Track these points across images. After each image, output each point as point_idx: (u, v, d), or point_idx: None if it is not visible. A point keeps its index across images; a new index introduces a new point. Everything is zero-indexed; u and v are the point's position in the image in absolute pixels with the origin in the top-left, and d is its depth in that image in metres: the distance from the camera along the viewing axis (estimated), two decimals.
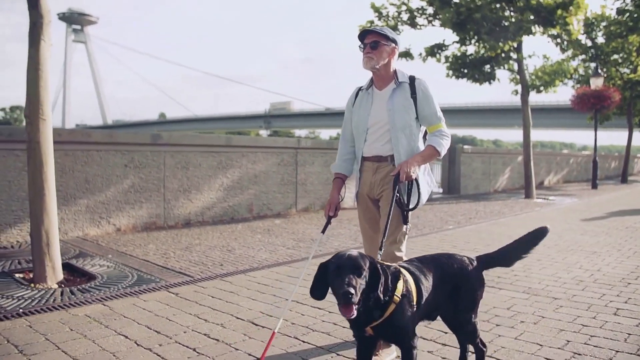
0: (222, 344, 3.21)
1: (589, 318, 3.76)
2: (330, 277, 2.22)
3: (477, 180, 15.86)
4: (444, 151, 3.15)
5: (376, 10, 14.35)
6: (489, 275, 5.06)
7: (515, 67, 14.19)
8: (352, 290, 2.09)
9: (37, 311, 3.81)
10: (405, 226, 3.13)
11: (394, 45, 3.17)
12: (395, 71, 3.21)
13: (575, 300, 4.22)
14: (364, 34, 3.17)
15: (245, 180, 8.87)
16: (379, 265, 2.27)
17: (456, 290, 2.61)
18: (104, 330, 3.44)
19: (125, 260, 5.50)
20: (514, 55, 13.86)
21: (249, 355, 3.05)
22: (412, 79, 3.18)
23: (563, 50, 15.76)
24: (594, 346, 3.21)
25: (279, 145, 9.62)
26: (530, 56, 14.09)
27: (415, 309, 2.39)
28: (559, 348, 3.18)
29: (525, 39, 13.25)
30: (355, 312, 2.12)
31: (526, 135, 14.45)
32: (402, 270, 2.44)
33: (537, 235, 2.91)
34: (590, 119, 20.54)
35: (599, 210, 11.34)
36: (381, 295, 2.21)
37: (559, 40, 14.11)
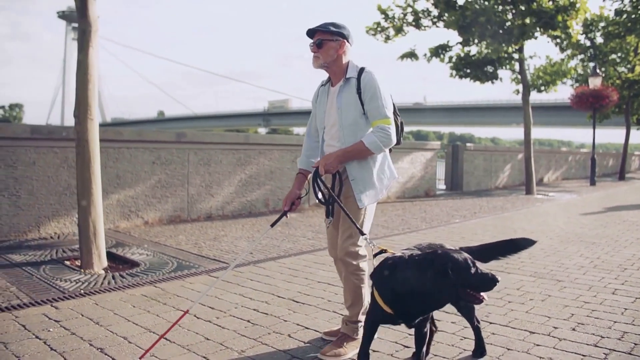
0: (272, 317, 3.68)
1: (590, 296, 4.23)
2: (464, 275, 2.33)
3: (479, 177, 16.33)
4: (376, 148, 2.99)
5: (382, 12, 14.78)
6: (499, 261, 5.52)
7: (517, 67, 14.66)
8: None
9: (97, 292, 4.26)
10: (362, 219, 3.08)
11: (341, 39, 3.08)
12: (347, 65, 3.13)
13: (577, 282, 4.68)
14: (310, 34, 3.13)
15: (262, 176, 9.33)
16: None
17: None
18: (163, 306, 3.90)
19: (161, 249, 5.96)
20: (516, 56, 14.33)
21: (297, 324, 3.52)
22: (360, 73, 3.09)
23: (562, 50, 16.22)
24: (595, 318, 3.68)
25: (293, 143, 10.07)
26: (531, 57, 14.58)
27: None
28: (564, 319, 3.65)
29: (527, 40, 13.72)
30: None
31: (527, 133, 14.92)
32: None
33: (521, 245, 3.03)
34: (590, 117, 20.99)
35: (597, 205, 11.82)
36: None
37: (558, 40, 14.57)
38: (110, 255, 5.64)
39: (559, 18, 12.82)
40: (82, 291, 4.26)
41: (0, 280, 4.50)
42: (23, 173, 6.47)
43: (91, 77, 5.25)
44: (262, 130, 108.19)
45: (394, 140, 3.05)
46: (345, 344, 3.04)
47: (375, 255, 2.68)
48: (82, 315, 3.66)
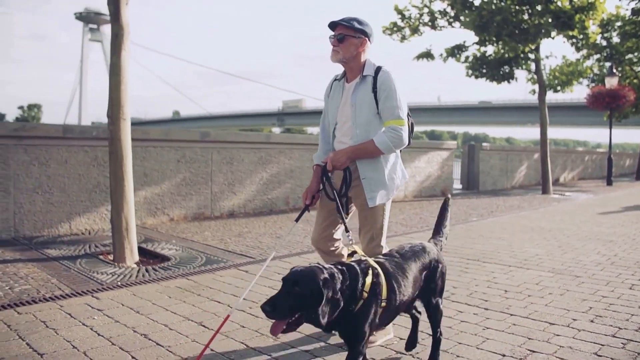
0: None
1: (608, 291, 4.37)
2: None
3: (495, 177, 16.41)
4: (387, 148, 3.02)
5: (399, 12, 14.93)
6: (518, 257, 5.69)
7: (533, 67, 14.73)
8: (268, 307, 2.15)
9: (133, 284, 4.47)
10: (382, 220, 3.15)
11: (363, 37, 3.08)
12: (364, 63, 3.13)
13: (595, 278, 4.82)
14: (332, 26, 3.11)
15: (282, 175, 9.53)
16: (327, 278, 2.23)
17: (430, 278, 2.72)
18: (198, 297, 4.10)
19: (189, 245, 6.17)
20: (532, 56, 14.40)
21: None
22: (377, 71, 3.09)
23: (578, 50, 16.24)
24: (613, 311, 3.82)
25: (312, 143, 10.25)
26: (547, 57, 14.66)
27: (383, 305, 2.41)
28: (583, 312, 3.80)
29: (543, 40, 13.79)
30: (280, 329, 2.19)
31: (543, 133, 14.98)
32: (374, 264, 2.47)
33: (444, 206, 3.14)
34: (607, 117, 20.95)
35: (614, 205, 11.87)
36: (322, 317, 2.18)
37: (574, 40, 14.60)
38: (141, 250, 5.85)
39: (577, 18, 12.89)
40: (119, 283, 4.48)
41: (41, 273, 4.73)
42: (55, 171, 6.73)
43: (124, 79, 5.47)
44: (277, 130, 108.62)
45: (406, 142, 3.07)
46: (375, 332, 3.19)
47: (348, 256, 2.68)
48: (123, 305, 3.87)
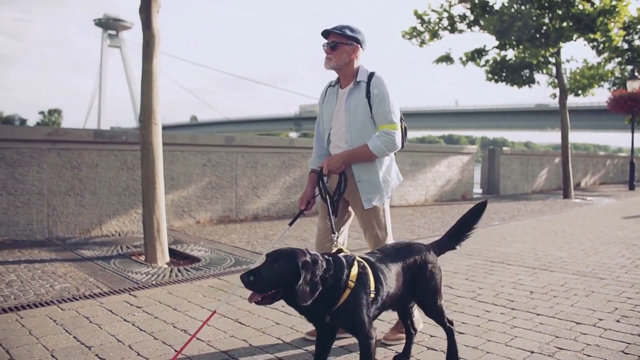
0: None
1: (633, 293, 4.42)
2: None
3: (516, 181, 16.38)
4: (380, 152, 3.12)
5: (418, 17, 15.02)
6: (542, 260, 5.75)
7: (554, 71, 14.71)
8: (247, 278, 2.31)
9: (167, 283, 4.63)
10: (384, 220, 3.25)
11: (355, 44, 3.16)
12: (357, 69, 3.22)
13: (620, 280, 4.87)
14: (325, 34, 3.20)
15: (305, 179, 9.65)
16: (309, 260, 2.34)
17: (417, 277, 2.73)
18: (231, 296, 4.23)
19: (217, 247, 6.33)
20: (552, 60, 14.38)
21: None
22: (370, 77, 3.17)
23: (599, 53, 16.16)
24: (639, 312, 3.88)
25: None
26: (568, 60, 14.62)
27: (371, 296, 2.47)
28: (609, 312, 3.86)
29: (564, 44, 13.78)
30: (255, 299, 2.34)
31: (564, 137, 14.94)
32: (360, 259, 2.56)
33: (477, 211, 2.91)
34: (629, 120, 20.77)
35: (637, 209, 11.82)
36: (299, 297, 2.27)
37: (595, 43, 14.54)
38: (171, 252, 6.01)
39: (599, 21, 12.86)
40: (153, 282, 4.64)
41: (78, 272, 4.92)
42: (87, 174, 6.94)
43: (155, 85, 5.64)
44: (294, 135, 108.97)
45: (399, 145, 3.16)
46: (403, 328, 3.30)
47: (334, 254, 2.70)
48: (160, 303, 4.02)
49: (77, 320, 3.57)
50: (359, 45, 3.20)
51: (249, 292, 2.37)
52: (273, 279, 2.31)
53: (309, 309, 2.37)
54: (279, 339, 3.30)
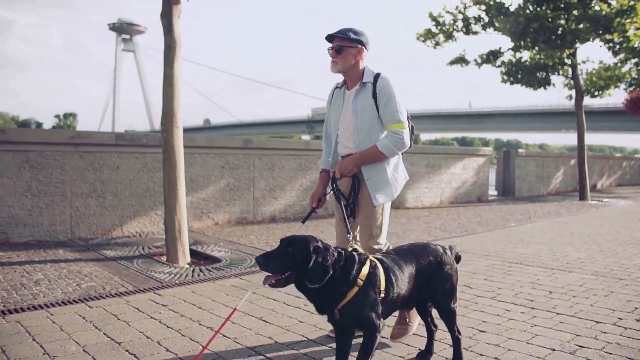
0: None
1: None
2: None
3: (531, 183, 16.33)
4: (390, 152, 3.19)
5: (433, 19, 15.03)
6: (560, 260, 5.77)
7: (570, 72, 14.65)
8: (262, 259, 2.41)
9: (190, 282, 4.72)
10: (381, 218, 3.30)
11: (360, 46, 3.22)
12: (363, 70, 3.28)
13: (638, 281, 4.88)
14: (329, 38, 3.26)
15: None
16: (321, 250, 2.43)
17: (432, 278, 2.77)
18: (253, 295, 4.30)
19: (236, 247, 6.42)
20: (568, 61, 14.32)
21: None
22: (376, 78, 3.23)
23: (616, 54, 16.06)
24: None
25: None
26: (584, 62, 14.56)
27: (381, 295, 2.52)
28: (628, 312, 3.89)
29: (581, 45, 13.73)
30: (269, 281, 2.42)
31: (580, 139, 14.87)
32: (373, 259, 2.61)
33: None
34: None
35: None
36: (309, 280, 2.37)
37: (611, 44, 14.46)
38: (191, 252, 6.11)
39: (616, 22, 12.80)
40: (177, 281, 4.73)
41: (103, 271, 5.03)
42: (108, 177, 7.07)
43: (176, 89, 5.74)
44: (307, 137, 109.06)
45: (407, 144, 3.23)
46: (407, 320, 3.32)
47: None
48: (185, 301, 4.11)
49: (106, 317, 3.67)
50: (363, 47, 3.26)
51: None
52: (286, 261, 2.41)
53: (316, 297, 2.47)
54: (303, 336, 3.37)
